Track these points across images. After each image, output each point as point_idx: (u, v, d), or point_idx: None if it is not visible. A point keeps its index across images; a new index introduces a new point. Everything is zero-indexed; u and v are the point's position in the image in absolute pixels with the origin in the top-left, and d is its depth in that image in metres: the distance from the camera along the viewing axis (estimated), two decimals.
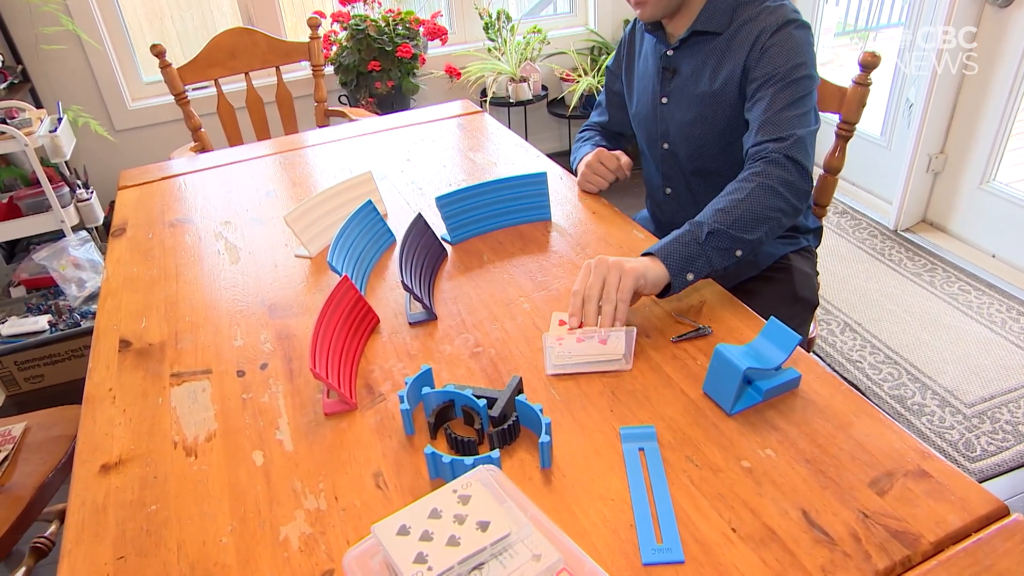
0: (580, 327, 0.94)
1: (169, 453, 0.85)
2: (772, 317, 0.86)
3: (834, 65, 3.30)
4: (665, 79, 1.28)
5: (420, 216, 1.14)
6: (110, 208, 2.78)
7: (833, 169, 1.55)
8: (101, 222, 2.48)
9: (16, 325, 2.19)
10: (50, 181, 2.27)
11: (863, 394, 1.96)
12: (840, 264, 2.56)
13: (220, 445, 0.85)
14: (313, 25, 2.18)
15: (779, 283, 1.28)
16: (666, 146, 1.33)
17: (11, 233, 2.30)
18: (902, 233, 2.73)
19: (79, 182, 2.40)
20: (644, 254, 1.00)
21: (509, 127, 3.31)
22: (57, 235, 2.38)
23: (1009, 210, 2.42)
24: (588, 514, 0.72)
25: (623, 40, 1.41)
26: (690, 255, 0.99)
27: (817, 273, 1.41)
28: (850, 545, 0.67)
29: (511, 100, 3.07)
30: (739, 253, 1.02)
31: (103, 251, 2.49)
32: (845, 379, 2.04)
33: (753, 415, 0.83)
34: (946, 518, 0.69)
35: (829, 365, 2.09)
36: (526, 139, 3.35)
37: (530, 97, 3.08)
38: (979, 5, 2.32)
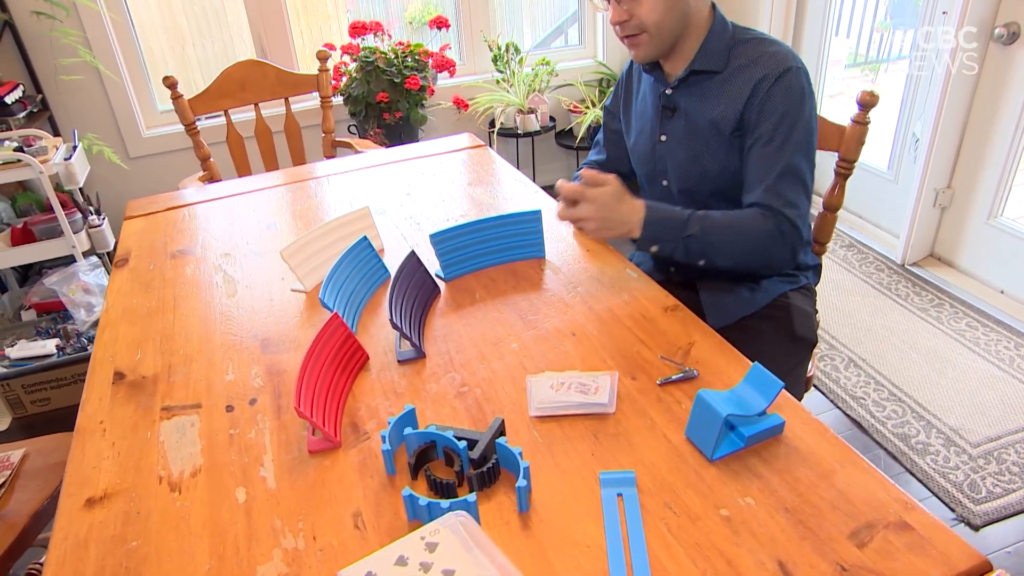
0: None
1: (154, 488, 0.85)
2: (756, 363, 0.86)
3: (844, 97, 3.31)
4: (664, 118, 1.29)
5: (413, 253, 1.15)
6: None
7: (832, 207, 1.54)
8: (112, 248, 2.52)
9: (25, 348, 2.23)
10: (63, 207, 2.31)
11: (865, 432, 1.95)
12: (845, 298, 2.55)
13: (204, 481, 0.86)
14: (322, 58, 2.23)
15: (777, 321, 1.28)
16: (665, 183, 1.34)
17: (24, 257, 2.34)
18: (909, 267, 2.71)
19: (91, 208, 2.45)
20: (647, 205, 1.15)
21: (517, 157, 3.36)
22: (68, 260, 2.42)
23: (1017, 246, 2.40)
24: (563, 561, 0.72)
25: (621, 79, 1.43)
26: (666, 237, 1.15)
27: (816, 311, 1.40)
28: None
29: (519, 131, 3.10)
30: (702, 263, 1.17)
31: None
32: (848, 416, 2.03)
33: (735, 461, 0.82)
34: (927, 573, 0.68)
35: (832, 401, 2.08)
36: (533, 169, 3.39)
37: (538, 128, 3.11)
38: (984, 43, 2.33)
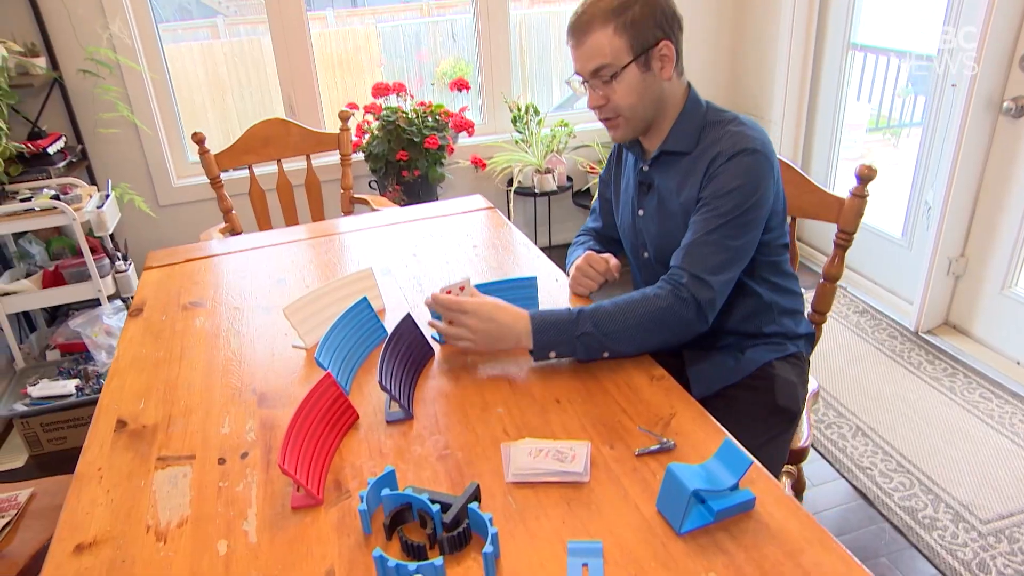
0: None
1: (141, 537, 0.89)
2: (727, 439, 0.88)
3: (864, 160, 3.34)
4: (641, 193, 1.34)
5: (408, 316, 1.20)
6: None
7: (832, 277, 1.56)
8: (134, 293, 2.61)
9: (46, 388, 2.30)
10: (93, 252, 2.42)
11: (871, 503, 1.92)
12: (856, 365, 2.53)
13: (190, 532, 0.89)
14: (343, 118, 2.33)
15: (760, 391, 1.29)
16: (646, 255, 1.38)
17: (53, 299, 2.45)
18: (923, 335, 2.69)
19: (119, 254, 2.55)
20: (530, 312, 1.15)
21: (534, 216, 3.43)
22: (94, 303, 2.52)
23: None
24: None
25: (613, 152, 1.48)
26: (559, 340, 1.14)
27: (806, 380, 1.41)
28: None
29: (536, 190, 3.17)
30: (606, 355, 1.16)
31: None
32: (853, 486, 2.00)
33: (703, 535, 0.84)
34: None
35: (837, 470, 2.05)
36: (549, 228, 3.46)
37: (555, 188, 3.18)
38: (993, 116, 2.35)
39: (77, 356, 2.47)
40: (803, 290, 1.46)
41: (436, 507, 0.84)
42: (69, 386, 2.29)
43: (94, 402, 2.26)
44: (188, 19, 3.16)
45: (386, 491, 0.87)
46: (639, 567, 0.80)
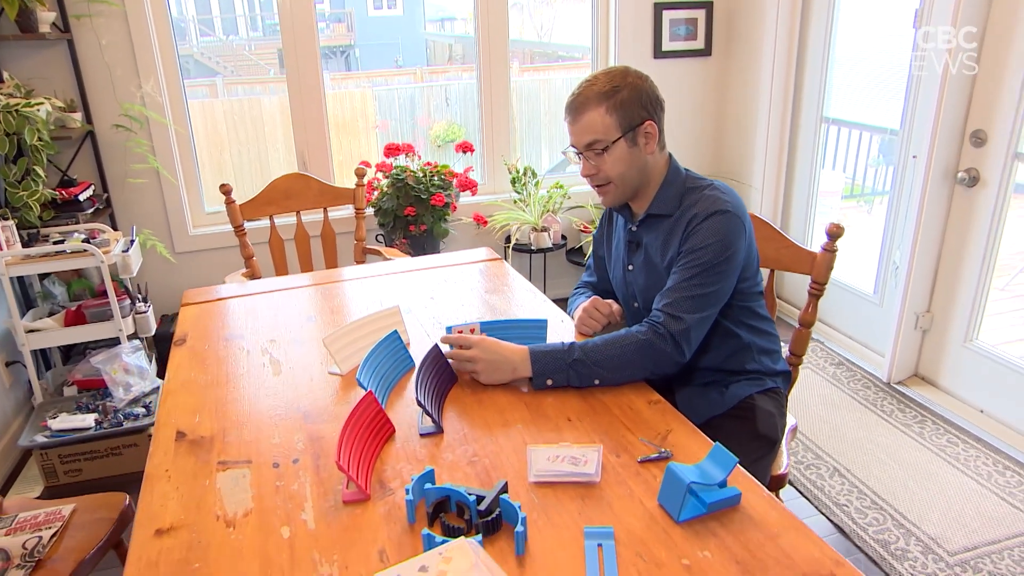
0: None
1: (212, 524, 1.02)
2: (716, 443, 1.04)
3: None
4: (631, 250, 1.53)
5: (436, 346, 1.36)
6: (161, 320, 3.07)
7: (806, 323, 1.74)
8: (153, 333, 2.74)
9: (66, 421, 2.40)
10: (115, 294, 2.56)
11: (847, 537, 2.06)
12: (833, 412, 2.70)
13: (255, 520, 1.03)
14: (359, 174, 2.53)
15: (743, 421, 1.45)
16: (636, 305, 1.56)
17: (76, 337, 2.57)
18: (895, 386, 2.88)
19: (139, 296, 2.70)
20: (528, 345, 1.34)
21: (530, 271, 3.63)
22: (112, 342, 2.64)
23: (993, 368, 2.58)
24: None
25: (605, 213, 1.68)
26: (555, 368, 1.31)
27: (784, 413, 1.57)
28: None
29: (533, 247, 3.37)
30: (597, 382, 1.32)
31: (151, 359, 2.74)
32: (831, 521, 2.14)
33: (698, 523, 0.99)
34: None
35: (816, 507, 2.19)
36: (544, 283, 3.65)
37: (550, 245, 3.38)
38: (950, 186, 2.61)
39: (95, 392, 2.58)
40: (782, 341, 1.63)
41: (472, 498, 0.99)
42: (88, 420, 2.39)
43: (113, 435, 2.37)
44: (187, 77, 3.38)
45: (428, 485, 1.02)
46: (645, 547, 0.95)
